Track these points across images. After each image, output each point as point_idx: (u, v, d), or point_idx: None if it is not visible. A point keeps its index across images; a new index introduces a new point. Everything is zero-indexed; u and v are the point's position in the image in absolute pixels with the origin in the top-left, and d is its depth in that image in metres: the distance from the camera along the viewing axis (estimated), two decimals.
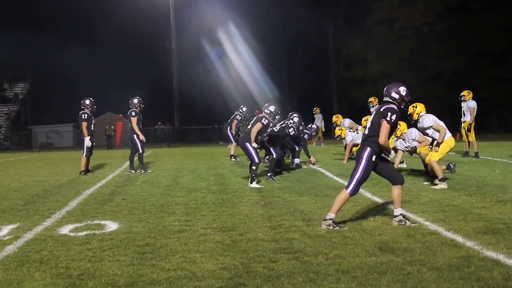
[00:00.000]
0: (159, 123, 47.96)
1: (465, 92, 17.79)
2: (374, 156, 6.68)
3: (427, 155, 10.95)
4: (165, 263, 5.31)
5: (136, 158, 15.03)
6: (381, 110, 6.74)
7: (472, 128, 17.30)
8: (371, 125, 6.83)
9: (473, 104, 17.43)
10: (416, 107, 11.17)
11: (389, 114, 6.63)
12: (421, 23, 47.94)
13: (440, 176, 10.40)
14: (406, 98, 6.85)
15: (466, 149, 17.79)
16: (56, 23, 54.12)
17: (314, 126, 17.19)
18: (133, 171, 14.74)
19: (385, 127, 6.62)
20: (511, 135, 35.26)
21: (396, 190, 6.83)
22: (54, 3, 54.62)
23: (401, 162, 12.87)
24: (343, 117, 18.82)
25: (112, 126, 38.62)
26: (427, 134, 11.10)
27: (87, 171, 14.75)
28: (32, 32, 51.27)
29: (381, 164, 6.81)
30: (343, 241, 6.01)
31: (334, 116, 19.07)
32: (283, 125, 13.28)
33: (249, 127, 11.76)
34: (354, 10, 50.88)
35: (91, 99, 15.14)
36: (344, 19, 54.48)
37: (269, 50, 54.63)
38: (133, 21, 50.08)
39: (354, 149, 16.50)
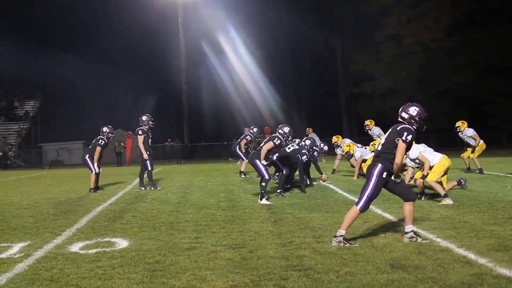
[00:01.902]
0: (169, 140, 48.08)
1: (459, 123, 17.52)
2: (385, 173, 6.66)
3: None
4: (175, 280, 5.29)
5: (145, 175, 15.06)
6: (398, 129, 6.75)
7: (476, 150, 17.19)
8: (385, 142, 6.82)
9: (470, 132, 17.24)
10: None
11: (405, 134, 6.63)
12: (429, 39, 48.10)
13: (442, 193, 10.41)
14: (417, 118, 6.81)
15: (467, 166, 17.71)
16: (66, 42, 54.69)
17: (324, 145, 17.08)
18: (142, 188, 14.78)
19: (401, 147, 6.62)
20: None
21: (408, 207, 6.80)
22: (64, 22, 55.23)
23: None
24: (351, 136, 18.74)
25: (121, 143, 38.74)
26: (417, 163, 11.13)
27: (96, 188, 14.79)
28: (42, 51, 51.75)
29: (392, 181, 6.77)
30: (354, 258, 5.97)
31: (334, 137, 18.99)
32: (297, 148, 13.20)
33: (261, 145, 11.76)
34: (362, 26, 51.05)
35: (109, 126, 15.27)
36: (352, 35, 54.61)
37: (278, 66, 54.83)
38: (143, 39, 50.54)
39: (363, 165, 16.47)
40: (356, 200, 6.83)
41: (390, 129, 6.93)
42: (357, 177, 16.30)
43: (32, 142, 49.89)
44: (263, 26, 52.51)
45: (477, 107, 46.26)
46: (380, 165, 6.69)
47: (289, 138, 12.12)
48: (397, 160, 6.63)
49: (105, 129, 15.16)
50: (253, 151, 19.19)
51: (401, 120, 6.87)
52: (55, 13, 54.96)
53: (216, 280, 5.26)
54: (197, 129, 53.91)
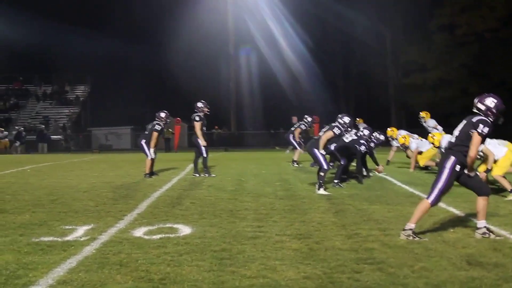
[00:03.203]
0: (216, 127, 48.20)
1: None
2: (458, 166, 6.43)
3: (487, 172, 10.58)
4: (245, 270, 5.21)
5: (199, 162, 15.08)
6: (473, 120, 6.48)
7: None
8: (459, 134, 6.58)
9: None
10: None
11: (481, 126, 6.37)
12: (484, 29, 46.70)
13: (509, 188, 10.06)
14: (494, 110, 6.53)
15: None
16: (117, 28, 55.14)
17: (380, 135, 16.65)
18: (197, 175, 14.79)
19: (476, 139, 6.37)
20: None
21: (481, 202, 6.56)
22: (117, 8, 55.81)
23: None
24: (400, 127, 18.30)
25: (170, 130, 38.97)
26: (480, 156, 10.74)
27: (151, 173, 14.87)
28: (93, 37, 52.41)
29: (465, 174, 6.53)
30: (426, 253, 5.79)
31: (389, 130, 18.52)
32: (355, 138, 13.02)
33: (320, 133, 11.58)
34: (414, 16, 50.01)
35: (166, 112, 15.33)
36: (403, 24, 53.49)
37: (326, 55, 54.26)
38: (191, 26, 50.58)
39: (419, 157, 16.12)
40: (417, 192, 6.64)
41: (464, 121, 6.67)
42: (414, 169, 15.99)
43: (82, 126, 50.79)
44: (313, 13, 52.03)
45: None
46: (453, 157, 6.47)
47: (349, 129, 11.90)
48: (471, 153, 6.38)
49: (162, 114, 15.22)
50: (302, 140, 19.14)
51: (477, 111, 6.60)
52: None
53: (287, 271, 5.15)
54: (244, 116, 53.91)
